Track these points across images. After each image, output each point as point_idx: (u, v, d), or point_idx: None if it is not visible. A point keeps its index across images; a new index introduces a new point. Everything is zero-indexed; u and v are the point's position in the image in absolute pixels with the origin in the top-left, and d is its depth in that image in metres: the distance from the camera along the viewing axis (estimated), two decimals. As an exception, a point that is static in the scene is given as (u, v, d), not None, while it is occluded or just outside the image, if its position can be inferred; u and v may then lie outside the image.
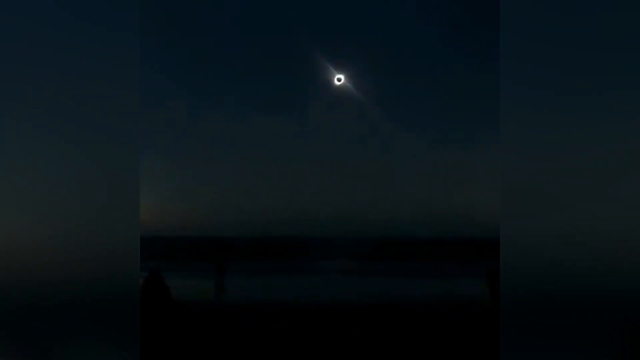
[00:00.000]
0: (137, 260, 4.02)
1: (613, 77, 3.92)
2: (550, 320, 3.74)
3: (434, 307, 12.91)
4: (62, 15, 4.04)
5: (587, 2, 3.97)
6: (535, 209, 3.90)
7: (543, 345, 3.71)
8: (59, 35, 4.04)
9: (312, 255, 40.35)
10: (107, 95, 4.07)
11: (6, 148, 3.99)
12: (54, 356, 4.01)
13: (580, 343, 3.69)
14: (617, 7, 3.93)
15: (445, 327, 9.78)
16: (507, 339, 3.76)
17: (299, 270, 28.79)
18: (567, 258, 3.77)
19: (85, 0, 4.07)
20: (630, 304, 3.63)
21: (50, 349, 4.00)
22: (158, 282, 7.32)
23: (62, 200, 4.01)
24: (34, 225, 3.98)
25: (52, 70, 4.03)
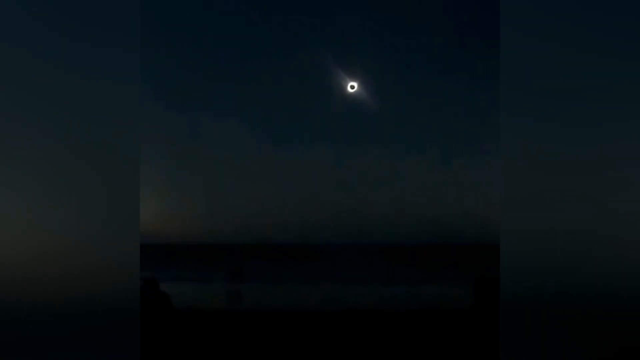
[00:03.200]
0: (137, 267, 3.93)
1: (617, 83, 3.90)
2: (549, 325, 3.74)
3: (420, 313, 12.96)
4: (62, 15, 3.97)
5: (591, 6, 3.95)
6: (536, 212, 3.90)
7: (542, 347, 3.71)
8: (59, 36, 3.97)
9: (321, 262, 40.20)
10: (107, 98, 4.01)
11: (2, 149, 3.92)
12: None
13: (580, 346, 3.69)
14: (621, 12, 3.91)
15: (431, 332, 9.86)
16: (506, 342, 3.76)
17: (308, 278, 28.64)
18: (567, 263, 3.78)
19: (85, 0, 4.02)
20: (632, 308, 3.62)
21: (48, 358, 3.95)
22: (154, 290, 7.13)
23: (60, 206, 3.95)
24: (30, 229, 3.87)
25: (51, 71, 3.96)
